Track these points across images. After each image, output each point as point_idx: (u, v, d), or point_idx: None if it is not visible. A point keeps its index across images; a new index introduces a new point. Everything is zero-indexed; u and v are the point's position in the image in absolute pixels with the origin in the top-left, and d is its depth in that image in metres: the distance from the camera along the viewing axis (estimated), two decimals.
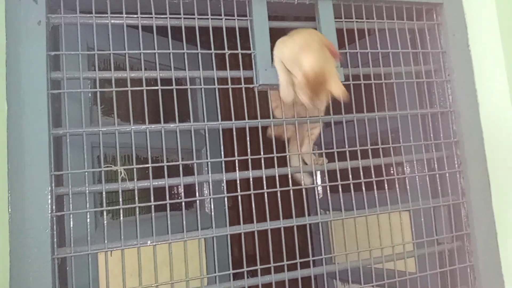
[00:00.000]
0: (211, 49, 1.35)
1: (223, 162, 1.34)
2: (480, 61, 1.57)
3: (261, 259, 1.31)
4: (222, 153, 1.36)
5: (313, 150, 1.51)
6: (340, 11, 1.47)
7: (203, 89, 1.35)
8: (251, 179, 1.34)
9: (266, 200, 1.32)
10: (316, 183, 2.11)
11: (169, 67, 1.31)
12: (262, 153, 1.37)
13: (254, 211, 1.29)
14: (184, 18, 1.33)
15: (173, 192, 1.79)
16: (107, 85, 1.29)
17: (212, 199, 1.35)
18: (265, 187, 1.34)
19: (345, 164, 1.43)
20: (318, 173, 2.01)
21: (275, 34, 1.42)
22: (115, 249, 1.20)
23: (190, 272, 1.27)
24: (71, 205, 1.18)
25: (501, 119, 1.49)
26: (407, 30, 1.57)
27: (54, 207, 1.16)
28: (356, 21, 1.50)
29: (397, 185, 1.51)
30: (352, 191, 1.40)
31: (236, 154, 1.33)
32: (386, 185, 1.48)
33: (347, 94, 1.21)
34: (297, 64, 1.23)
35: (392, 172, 1.72)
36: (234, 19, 1.38)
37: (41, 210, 1.14)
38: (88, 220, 1.20)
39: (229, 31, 1.38)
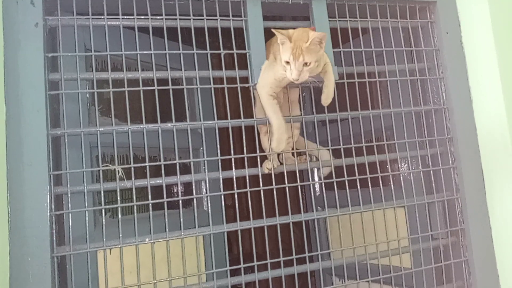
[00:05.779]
0: (206, 50, 1.37)
1: (219, 161, 1.36)
2: (473, 58, 1.59)
3: (258, 256, 1.32)
4: (219, 151, 1.37)
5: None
6: (334, 10, 1.49)
7: (199, 89, 1.37)
8: (247, 177, 1.36)
9: (262, 198, 1.34)
10: (311, 180, 2.12)
11: (166, 67, 1.33)
12: (258, 151, 1.39)
13: (250, 208, 1.31)
14: (180, 19, 1.35)
15: (171, 191, 1.80)
16: (104, 86, 1.31)
17: (209, 197, 1.36)
18: (261, 185, 1.35)
19: (340, 162, 1.45)
20: (315, 170, 2.02)
21: (270, 34, 1.44)
22: (113, 247, 1.22)
23: (188, 269, 1.29)
24: (70, 204, 1.20)
25: (495, 115, 1.51)
26: (401, 28, 1.59)
27: (53, 206, 1.18)
28: (350, 20, 1.51)
29: (392, 182, 1.53)
30: (347, 188, 1.42)
31: (232, 152, 1.35)
32: (381, 182, 1.49)
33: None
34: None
35: (387, 169, 1.73)
36: (229, 20, 1.40)
37: (41, 209, 1.15)
38: (87, 218, 1.22)
39: (225, 31, 1.39)
